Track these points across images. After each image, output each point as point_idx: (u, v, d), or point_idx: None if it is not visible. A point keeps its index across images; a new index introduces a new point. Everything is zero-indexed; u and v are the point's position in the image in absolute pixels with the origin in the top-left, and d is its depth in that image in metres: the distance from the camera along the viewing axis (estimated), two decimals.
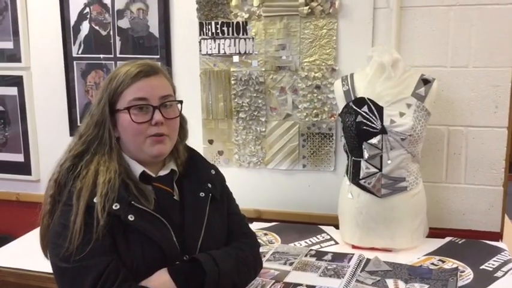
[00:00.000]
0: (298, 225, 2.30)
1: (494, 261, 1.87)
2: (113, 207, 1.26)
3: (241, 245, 1.47)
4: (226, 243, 1.48)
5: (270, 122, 2.36)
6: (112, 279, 1.23)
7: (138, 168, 1.38)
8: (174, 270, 1.30)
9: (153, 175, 1.40)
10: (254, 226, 2.27)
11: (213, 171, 1.53)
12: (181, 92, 2.44)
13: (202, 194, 1.44)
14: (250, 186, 2.43)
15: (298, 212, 2.37)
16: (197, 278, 1.30)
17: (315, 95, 2.28)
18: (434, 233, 2.13)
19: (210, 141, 2.46)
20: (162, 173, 1.42)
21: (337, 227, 2.18)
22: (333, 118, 2.27)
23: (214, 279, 1.31)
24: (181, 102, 1.45)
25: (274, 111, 2.35)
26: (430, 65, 2.12)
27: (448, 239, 2.08)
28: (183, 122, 1.50)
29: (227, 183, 1.60)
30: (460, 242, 2.05)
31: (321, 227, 2.25)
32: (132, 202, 1.29)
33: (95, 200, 1.26)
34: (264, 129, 2.37)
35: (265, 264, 1.84)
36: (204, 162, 1.56)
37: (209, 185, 1.47)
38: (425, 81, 1.94)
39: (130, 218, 1.27)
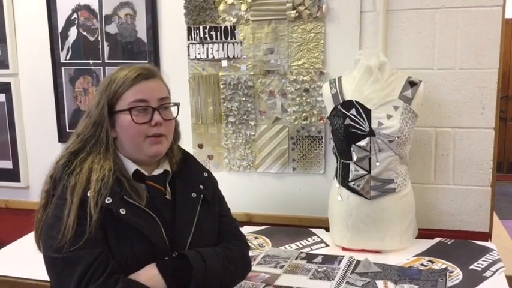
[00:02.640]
0: (288, 228, 2.30)
1: (483, 261, 1.88)
2: (106, 201, 1.30)
3: (230, 246, 1.50)
4: (217, 244, 1.49)
5: (259, 125, 2.37)
6: (101, 270, 1.26)
7: (132, 167, 1.42)
8: (163, 265, 1.33)
9: (147, 174, 1.44)
10: (245, 230, 2.27)
11: (205, 174, 1.56)
12: (171, 96, 2.47)
13: (194, 195, 1.47)
14: (240, 190, 2.43)
15: (288, 215, 2.38)
16: (184, 274, 1.33)
17: (304, 98, 2.29)
18: (423, 233, 2.15)
19: (200, 146, 2.46)
20: (156, 172, 1.46)
21: (327, 229, 2.19)
22: (322, 121, 2.29)
23: (201, 275, 1.34)
24: (178, 104, 1.49)
25: (264, 114, 2.36)
26: (417, 67, 2.14)
27: (437, 239, 2.10)
28: (176, 125, 1.54)
29: (218, 187, 1.62)
30: (449, 243, 2.07)
31: (311, 229, 2.26)
32: (124, 197, 1.33)
33: (88, 195, 1.30)
34: (253, 133, 2.38)
35: (255, 268, 1.85)
36: (198, 164, 1.59)
37: (201, 187, 1.49)
38: (412, 84, 1.96)
39: (122, 211, 1.31)
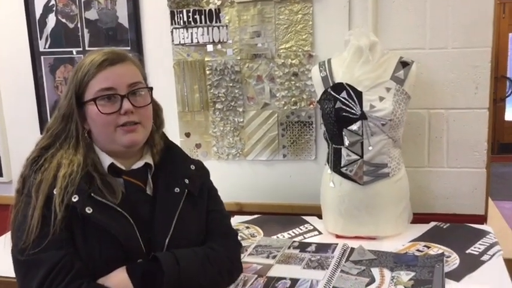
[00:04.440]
0: (280, 216, 2.24)
1: (480, 244, 1.84)
2: (72, 199, 1.22)
3: (215, 245, 1.41)
4: (203, 242, 1.42)
5: (247, 112, 2.30)
6: (63, 274, 1.18)
7: (107, 161, 1.34)
8: (133, 268, 1.25)
9: (123, 168, 1.35)
10: (236, 220, 2.22)
11: (192, 167, 1.47)
12: (155, 84, 2.35)
13: (177, 190, 1.38)
14: (230, 179, 2.36)
15: (280, 203, 2.32)
16: (156, 278, 1.25)
17: (293, 82, 2.22)
18: (418, 218, 2.09)
19: (187, 134, 2.39)
20: (136, 165, 1.37)
21: (320, 217, 2.13)
22: (312, 106, 2.22)
23: (174, 279, 1.26)
24: (151, 89, 1.40)
25: (252, 100, 2.28)
26: (409, 47, 2.08)
27: (432, 224, 2.05)
28: (158, 111, 1.45)
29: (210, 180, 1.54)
30: (444, 227, 2.02)
31: (303, 217, 2.20)
32: (92, 194, 1.25)
33: (54, 192, 1.22)
34: (241, 120, 2.30)
35: (247, 259, 1.79)
36: (183, 156, 1.50)
37: (186, 181, 1.41)
38: (404, 64, 1.89)
39: (88, 210, 1.23)
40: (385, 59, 1.89)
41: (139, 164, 1.37)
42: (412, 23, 2.07)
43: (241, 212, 2.33)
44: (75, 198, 1.22)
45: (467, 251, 1.79)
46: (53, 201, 1.21)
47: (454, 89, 2.07)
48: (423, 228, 2.01)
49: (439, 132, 2.12)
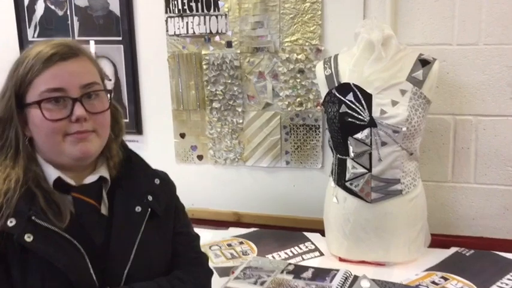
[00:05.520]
0: (279, 231, 1.99)
1: (508, 279, 1.54)
2: (8, 223, 1.00)
3: (183, 275, 1.19)
4: (169, 272, 1.19)
5: (247, 112, 2.05)
6: None
7: (53, 175, 1.10)
8: None
9: (73, 183, 1.12)
10: (230, 233, 1.99)
11: (157, 181, 1.23)
12: (148, 78, 2.18)
13: (138, 209, 1.15)
14: (227, 185, 2.14)
15: (281, 216, 2.07)
16: None
17: (298, 80, 1.96)
18: (437, 240, 1.81)
19: (182, 135, 2.16)
20: (88, 180, 1.13)
21: (324, 234, 1.87)
22: (319, 107, 1.95)
23: None
24: (110, 92, 1.16)
25: (252, 99, 2.03)
26: (432, 42, 1.80)
27: (453, 249, 1.76)
28: (117, 115, 1.21)
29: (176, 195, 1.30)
30: (468, 254, 1.73)
31: (305, 234, 1.94)
32: (33, 217, 1.02)
33: None
34: (241, 121, 2.06)
35: (231, 284, 1.56)
36: (146, 168, 1.25)
37: (149, 198, 1.17)
38: (424, 63, 1.60)
39: (28, 238, 1.00)
40: (401, 56, 1.60)
41: (92, 178, 1.14)
42: (437, 14, 1.78)
43: (238, 223, 2.10)
44: (11, 222, 1.00)
45: (492, 287, 1.50)
46: None
47: (485, 93, 1.78)
48: (442, 254, 1.73)
49: (466, 142, 1.83)
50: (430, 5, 1.78)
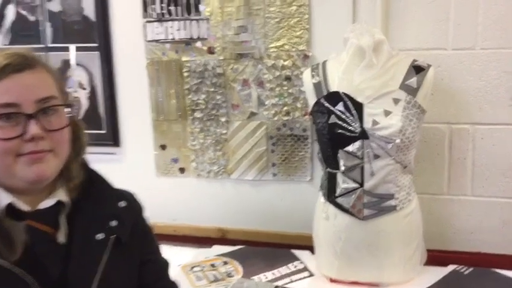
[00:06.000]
0: (267, 249, 1.87)
1: None
2: None
3: None
4: None
5: (231, 122, 1.93)
6: None
7: (4, 200, 0.97)
8: None
9: (27, 209, 0.99)
10: (214, 251, 1.88)
11: (122, 203, 1.10)
12: (126, 87, 2.05)
13: (100, 236, 1.02)
14: (211, 200, 2.02)
15: (268, 231, 1.95)
16: None
17: (285, 88, 1.84)
18: (434, 256, 1.70)
19: (163, 147, 2.04)
20: (43, 205, 1.00)
21: (313, 250, 1.76)
22: (307, 116, 1.84)
23: None
24: (70, 106, 1.03)
25: (237, 109, 1.92)
26: (426, 47, 1.70)
27: (451, 267, 1.65)
28: (79, 131, 1.08)
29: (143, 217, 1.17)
30: (466, 272, 1.63)
31: (294, 252, 1.83)
32: None
33: None
34: (224, 132, 1.94)
35: None
36: (110, 189, 1.12)
37: (113, 223, 1.05)
38: (418, 69, 1.50)
39: None
40: (393, 62, 1.50)
41: (49, 203, 1.01)
42: (431, 17, 1.68)
43: (223, 240, 1.98)
44: None
45: None
46: None
47: (482, 100, 1.68)
48: (439, 272, 1.62)
49: (462, 152, 1.73)
50: (424, 8, 1.68)
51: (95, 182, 1.09)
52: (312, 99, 1.57)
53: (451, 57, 1.69)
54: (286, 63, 1.83)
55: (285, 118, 1.87)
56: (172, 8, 1.90)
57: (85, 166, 1.09)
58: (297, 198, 1.92)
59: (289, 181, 1.92)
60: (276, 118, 1.88)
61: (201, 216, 2.02)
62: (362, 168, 1.47)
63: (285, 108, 1.86)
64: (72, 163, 1.05)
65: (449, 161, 1.75)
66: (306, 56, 1.81)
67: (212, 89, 1.92)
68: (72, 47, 2.05)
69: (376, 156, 1.45)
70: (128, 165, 2.08)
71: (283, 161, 1.91)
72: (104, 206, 1.06)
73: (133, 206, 1.13)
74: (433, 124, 1.71)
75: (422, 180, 1.73)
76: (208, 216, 2.01)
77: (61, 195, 1.03)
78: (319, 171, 1.84)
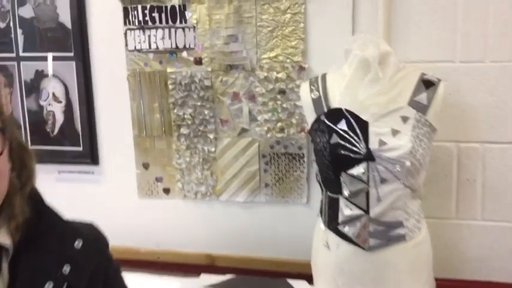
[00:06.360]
0: (260, 279, 1.72)
1: None
2: None
3: None
4: None
5: (220, 139, 1.78)
6: None
7: None
8: None
9: None
10: (202, 281, 1.73)
11: (78, 243, 0.90)
12: (105, 100, 1.88)
13: (48, 286, 0.85)
14: (198, 224, 1.87)
15: (261, 258, 1.80)
16: None
17: (279, 102, 1.70)
18: (442, 286, 1.57)
19: (145, 166, 1.87)
20: None
21: (311, 280, 1.60)
22: (303, 133, 1.70)
23: None
24: (2, 130, 0.84)
25: (226, 125, 1.77)
26: (432, 59, 1.58)
27: None
28: (25, 157, 0.90)
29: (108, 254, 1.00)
30: None
31: (289, 281, 1.68)
32: None
33: None
34: (213, 149, 1.79)
35: None
36: (63, 226, 0.93)
37: (66, 269, 0.86)
38: (428, 84, 1.36)
39: None
40: (400, 76, 1.36)
41: None
42: (437, 27, 1.56)
43: (211, 267, 1.82)
44: None
45: None
46: None
47: (493, 117, 1.56)
48: None
49: (471, 173, 1.60)
50: (429, 17, 1.56)
51: (44, 219, 0.90)
52: (310, 116, 1.42)
53: (459, 70, 1.56)
54: (280, 75, 1.68)
55: (279, 135, 1.72)
56: (155, 14, 1.74)
57: (33, 200, 0.90)
58: (293, 222, 1.77)
59: (284, 203, 1.77)
60: (269, 135, 1.73)
61: (187, 242, 1.86)
62: (367, 194, 1.32)
63: (279, 124, 1.72)
64: (16, 197, 0.86)
65: (457, 182, 1.62)
66: (301, 68, 1.67)
67: (199, 103, 1.76)
68: (50, 56, 1.88)
69: (383, 180, 1.31)
70: (107, 186, 1.91)
71: (277, 182, 1.76)
72: (55, 247, 0.88)
73: (93, 245, 0.94)
74: (440, 143, 1.58)
75: (429, 204, 1.59)
76: (196, 241, 1.85)
77: (3, 237, 0.85)
78: (316, 193, 1.70)
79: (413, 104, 1.33)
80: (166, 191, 1.87)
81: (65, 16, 1.83)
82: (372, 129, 1.31)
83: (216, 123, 1.77)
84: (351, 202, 1.35)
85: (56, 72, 1.88)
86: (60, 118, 1.91)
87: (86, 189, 1.94)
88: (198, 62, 1.74)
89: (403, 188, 1.33)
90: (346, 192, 1.34)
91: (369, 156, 1.30)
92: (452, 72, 1.56)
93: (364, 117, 1.32)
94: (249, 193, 1.79)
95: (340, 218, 1.38)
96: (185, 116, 1.79)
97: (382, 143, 1.30)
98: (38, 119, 1.92)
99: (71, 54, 1.85)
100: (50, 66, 1.89)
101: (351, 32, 1.60)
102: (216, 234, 1.85)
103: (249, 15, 1.68)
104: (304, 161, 1.73)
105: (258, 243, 1.81)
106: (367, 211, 1.34)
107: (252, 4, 1.67)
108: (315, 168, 1.60)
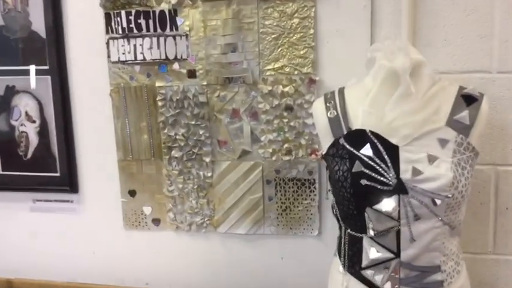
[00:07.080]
0: None
1: None
2: None
3: None
4: None
5: (218, 163, 1.55)
6: None
7: None
8: None
9: None
10: None
11: None
12: (85, 119, 1.65)
13: None
14: (193, 259, 1.66)
15: None
16: None
17: (286, 120, 1.48)
18: None
19: (132, 193, 1.64)
20: None
21: None
22: (313, 156, 1.47)
23: None
24: None
25: (224, 146, 1.54)
26: (465, 69, 1.37)
27: None
28: None
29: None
30: None
31: None
32: None
33: None
34: (209, 174, 1.56)
35: None
36: None
37: None
38: (469, 99, 1.14)
39: None
40: (436, 90, 1.13)
41: None
42: (471, 32, 1.35)
43: None
44: None
45: None
46: None
47: None
48: None
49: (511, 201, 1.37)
50: (461, 21, 1.35)
51: None
52: (326, 139, 1.20)
53: (497, 82, 1.35)
54: (286, 89, 1.46)
55: (286, 158, 1.50)
56: (141, 21, 1.52)
57: None
58: (302, 257, 1.56)
59: (292, 236, 1.55)
60: (274, 158, 1.51)
61: (180, 280, 1.64)
62: (398, 233, 1.10)
63: (286, 145, 1.49)
64: None
65: (495, 211, 1.41)
66: (311, 81, 1.44)
67: (193, 122, 1.54)
68: (32, 70, 1.65)
69: (418, 217, 1.08)
70: (89, 216, 1.70)
71: (283, 211, 1.54)
72: None
73: None
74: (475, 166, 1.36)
75: (462, 236, 1.37)
76: (190, 279, 1.63)
77: None
78: (330, 224, 1.48)
79: (453, 124, 1.10)
80: (156, 221, 1.64)
81: (39, 24, 1.62)
82: (403, 155, 1.08)
83: (213, 144, 1.55)
84: (377, 243, 1.12)
85: (28, 87, 1.65)
86: (34, 140, 1.68)
87: (65, 220, 1.72)
88: (192, 74, 1.52)
89: (442, 225, 1.10)
90: (371, 232, 1.11)
91: (400, 188, 1.07)
92: (488, 84, 1.35)
93: (393, 141, 1.09)
94: (252, 224, 1.56)
95: (364, 262, 1.15)
96: (177, 137, 1.56)
97: (416, 171, 1.07)
98: (9, 141, 1.70)
99: (46, 67, 1.64)
100: (32, 79, 1.67)
101: (369, 39, 1.39)
102: (214, 271, 1.63)
103: (250, 21, 1.46)
104: (315, 188, 1.50)
105: (263, 283, 1.59)
106: (397, 254, 1.11)
107: (254, 8, 1.45)
108: (331, 200, 1.37)
